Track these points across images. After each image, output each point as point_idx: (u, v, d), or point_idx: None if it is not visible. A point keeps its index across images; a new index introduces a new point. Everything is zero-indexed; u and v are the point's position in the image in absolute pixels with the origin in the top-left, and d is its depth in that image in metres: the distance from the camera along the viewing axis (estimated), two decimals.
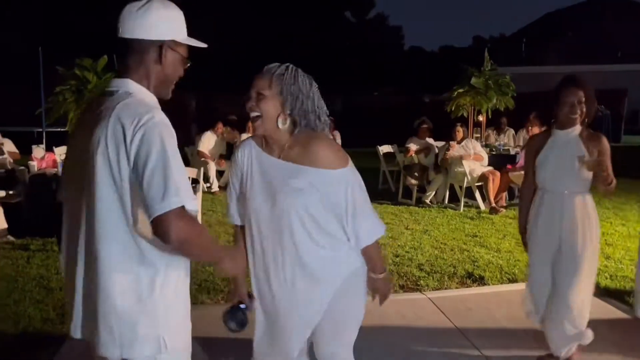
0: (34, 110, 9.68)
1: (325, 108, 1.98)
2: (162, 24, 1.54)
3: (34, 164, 6.50)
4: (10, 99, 15.00)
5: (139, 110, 1.44)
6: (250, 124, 6.21)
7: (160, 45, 1.55)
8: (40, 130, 11.44)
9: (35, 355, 3.18)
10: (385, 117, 17.58)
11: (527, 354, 3.20)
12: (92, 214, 1.48)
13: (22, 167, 6.75)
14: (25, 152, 7.92)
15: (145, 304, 1.49)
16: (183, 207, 1.40)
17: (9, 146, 7.32)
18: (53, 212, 1.58)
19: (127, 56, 1.55)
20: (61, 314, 3.66)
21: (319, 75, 1.96)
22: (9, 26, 20.42)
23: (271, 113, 1.88)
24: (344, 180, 1.88)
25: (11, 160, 6.95)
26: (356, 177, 1.92)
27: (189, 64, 1.66)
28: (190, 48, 1.66)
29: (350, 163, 1.92)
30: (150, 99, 1.56)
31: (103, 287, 1.48)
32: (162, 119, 1.45)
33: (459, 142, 7.76)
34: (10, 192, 6.08)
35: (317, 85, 1.96)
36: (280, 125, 1.88)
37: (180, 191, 1.39)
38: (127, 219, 1.46)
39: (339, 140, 12.28)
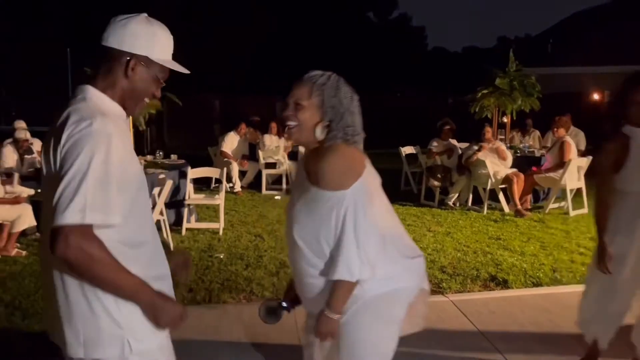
0: (62, 111, 9.89)
1: (361, 122, 1.88)
2: (138, 37, 1.51)
3: None
4: (39, 100, 15.36)
5: (82, 115, 1.40)
6: (273, 124, 6.36)
7: (130, 58, 1.51)
8: None
9: (62, 350, 3.25)
10: (408, 118, 17.50)
11: (552, 359, 3.15)
12: (46, 217, 1.46)
13: None
14: None
15: (106, 306, 1.45)
16: (88, 226, 1.32)
17: (38, 146, 7.48)
18: None
19: (100, 63, 1.53)
20: None
21: (341, 77, 1.91)
22: (38, 27, 20.90)
23: (308, 124, 1.82)
24: (337, 204, 1.76)
25: (40, 160, 7.11)
26: (356, 204, 1.76)
27: (163, 85, 1.60)
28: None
29: (355, 186, 1.76)
30: (108, 105, 1.50)
31: (63, 289, 1.46)
32: (100, 127, 1.38)
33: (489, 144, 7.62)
34: (39, 191, 6.24)
35: (358, 98, 1.87)
36: (318, 135, 1.82)
37: (87, 207, 1.31)
38: None
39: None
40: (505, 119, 9.90)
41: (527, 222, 6.86)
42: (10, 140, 6.98)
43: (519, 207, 7.27)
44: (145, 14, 1.57)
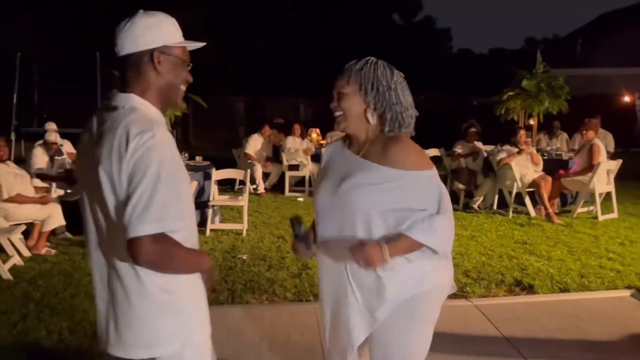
0: (91, 113, 10.09)
1: (411, 101, 1.88)
2: (148, 32, 1.52)
3: None
4: (68, 102, 15.69)
5: (142, 128, 1.42)
6: (296, 126, 6.43)
7: (151, 54, 1.52)
8: None
9: (89, 347, 3.31)
10: (432, 120, 17.28)
11: None
12: (102, 223, 1.51)
13: None
14: None
15: (167, 307, 1.50)
16: (162, 233, 1.38)
17: (68, 147, 7.65)
18: None
19: (126, 72, 1.54)
20: None
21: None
22: (67, 30, 21.38)
23: (353, 111, 1.84)
24: (429, 182, 1.81)
25: (70, 161, 7.27)
26: (438, 183, 1.84)
27: (190, 65, 1.62)
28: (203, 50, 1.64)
29: (434, 169, 1.85)
30: (155, 114, 1.54)
31: (121, 291, 1.50)
32: (162, 138, 1.43)
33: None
34: (69, 191, 6.38)
35: (402, 76, 1.88)
36: (370, 120, 1.84)
37: (163, 217, 1.38)
38: None
39: None
40: (531, 122, 9.74)
41: (554, 227, 6.73)
42: (41, 142, 7.16)
43: (550, 211, 7.10)
44: (142, 10, 1.56)
